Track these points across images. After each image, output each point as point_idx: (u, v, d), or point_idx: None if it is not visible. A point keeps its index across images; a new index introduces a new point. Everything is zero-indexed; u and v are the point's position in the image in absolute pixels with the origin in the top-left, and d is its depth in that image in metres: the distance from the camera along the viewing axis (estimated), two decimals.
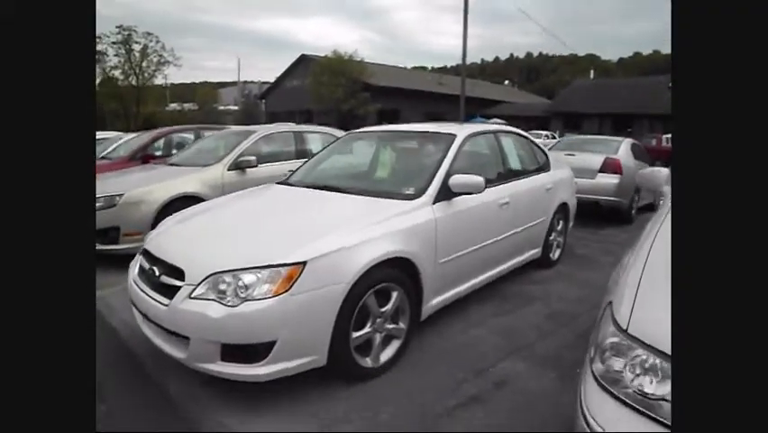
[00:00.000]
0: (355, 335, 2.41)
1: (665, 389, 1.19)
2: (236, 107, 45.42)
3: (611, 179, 6.72)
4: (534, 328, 3.24)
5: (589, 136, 8.50)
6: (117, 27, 30.65)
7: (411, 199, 2.89)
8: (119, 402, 2.30)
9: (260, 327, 2.11)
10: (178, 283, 2.29)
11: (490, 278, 3.61)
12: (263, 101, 39.85)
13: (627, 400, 1.26)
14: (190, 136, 7.60)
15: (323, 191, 3.18)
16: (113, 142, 8.42)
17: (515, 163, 4.10)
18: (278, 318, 2.11)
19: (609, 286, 1.71)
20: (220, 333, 2.12)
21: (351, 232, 2.45)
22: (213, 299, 2.16)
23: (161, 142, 7.48)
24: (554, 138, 23.68)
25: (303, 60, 31.83)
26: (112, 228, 4.33)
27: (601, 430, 1.26)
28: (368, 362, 2.52)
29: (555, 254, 4.71)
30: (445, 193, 3.00)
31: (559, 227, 4.69)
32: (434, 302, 2.97)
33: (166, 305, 2.27)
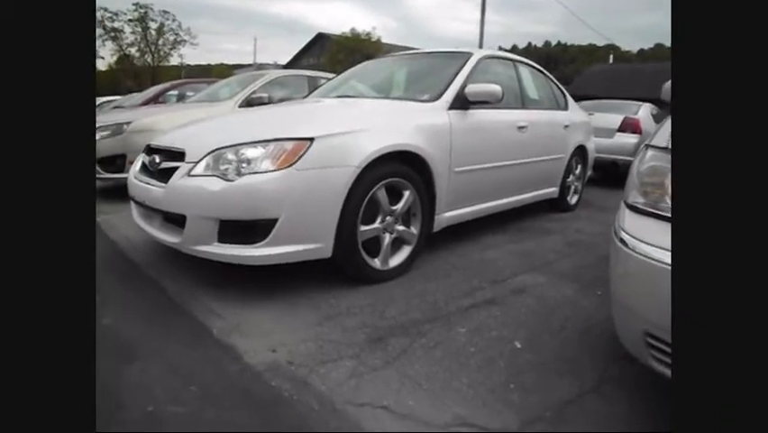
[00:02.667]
0: (363, 228, 2.22)
1: None
2: None
3: (630, 139, 6.42)
4: (552, 252, 3.03)
5: (608, 100, 8.15)
6: (134, 4, 30.54)
7: (427, 102, 2.70)
8: (115, 297, 2.13)
9: (262, 200, 1.92)
10: (177, 164, 2.12)
11: (507, 205, 3.41)
12: None
13: (662, 213, 1.20)
14: (204, 87, 7.43)
15: (338, 99, 3.02)
16: (125, 100, 8.32)
17: (533, 94, 3.88)
18: (281, 193, 1.92)
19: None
20: (218, 208, 1.94)
21: (363, 120, 2.29)
22: (213, 176, 1.98)
23: (175, 93, 7.32)
24: None
25: (319, 39, 31.58)
26: (119, 156, 4.18)
27: (650, 248, 1.15)
28: (376, 263, 2.33)
29: (573, 199, 4.47)
30: (462, 102, 2.80)
31: (577, 171, 4.45)
32: (447, 215, 2.78)
33: (163, 187, 2.10)
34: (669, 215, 1.17)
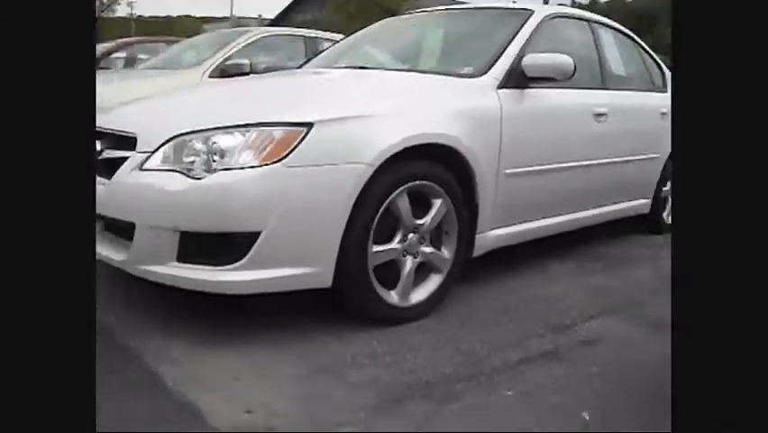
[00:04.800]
0: (376, 249, 2.28)
1: None
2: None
3: None
4: (639, 290, 3.11)
5: None
6: None
7: (469, 78, 2.78)
8: None
9: (239, 207, 2.00)
10: (126, 153, 2.21)
11: (578, 222, 3.51)
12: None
13: None
14: (163, 48, 7.65)
15: (347, 70, 3.17)
16: None
17: (618, 68, 3.99)
18: (265, 197, 2.00)
19: None
20: (179, 215, 2.02)
21: (379, 99, 2.38)
22: (173, 171, 2.06)
23: (123, 56, 7.55)
24: None
25: None
26: None
27: None
28: (393, 297, 2.39)
29: (670, 217, 4.50)
30: (517, 78, 2.87)
31: None
32: (494, 233, 2.85)
33: (105, 183, 2.18)
34: None
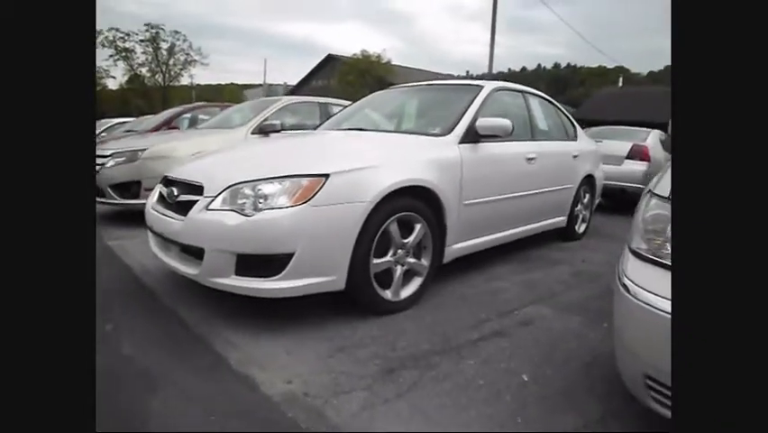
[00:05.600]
0: (376, 261, 2.31)
1: None
2: None
3: (638, 166, 6.51)
4: (559, 283, 3.12)
5: (617, 126, 8.29)
6: (146, 25, 31.45)
7: (438, 137, 2.82)
8: (134, 327, 2.23)
9: (278, 235, 2.03)
10: (196, 198, 2.23)
11: (516, 236, 3.50)
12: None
13: (663, 261, 1.26)
14: (217, 110, 7.64)
15: (351, 131, 3.14)
16: (138, 123, 8.55)
17: (542, 125, 3.99)
18: (296, 228, 2.03)
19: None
20: (236, 242, 2.05)
21: (376, 155, 2.40)
22: (230, 210, 2.09)
23: (186, 120, 7.52)
24: None
25: (329, 61, 32.06)
26: (134, 182, 4.33)
27: (651, 295, 1.22)
28: (388, 294, 2.42)
29: (581, 228, 4.56)
30: (473, 136, 2.91)
31: (585, 200, 4.54)
32: (457, 246, 2.87)
33: (182, 219, 2.21)
34: (669, 263, 1.24)
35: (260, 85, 53.42)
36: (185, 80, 36.52)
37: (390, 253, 2.40)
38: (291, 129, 5.51)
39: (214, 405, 1.62)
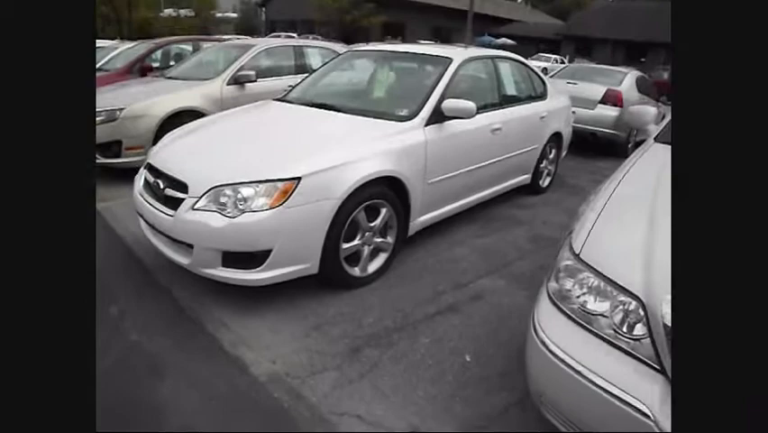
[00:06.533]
0: (345, 246, 2.62)
1: (603, 306, 1.41)
2: (235, 15, 43.49)
3: (610, 112, 6.71)
4: (514, 249, 3.48)
5: (594, 65, 8.36)
6: None
7: (404, 121, 3.00)
8: (129, 305, 2.55)
9: (258, 236, 2.31)
10: (181, 196, 2.46)
11: (479, 200, 3.79)
12: (263, 9, 38.12)
13: (572, 315, 1.46)
14: (188, 48, 7.47)
15: (319, 109, 3.27)
16: (108, 51, 8.26)
17: (510, 90, 4.14)
18: (274, 229, 2.31)
19: (577, 215, 1.88)
20: (221, 241, 2.33)
21: (343, 151, 2.60)
22: (214, 210, 2.34)
23: (159, 54, 7.36)
24: (563, 63, 23.00)
25: None
26: (114, 142, 4.43)
27: (547, 339, 1.47)
28: (356, 271, 2.76)
29: (545, 182, 4.86)
30: (437, 116, 3.10)
31: (551, 156, 4.80)
32: (421, 219, 3.17)
33: (171, 216, 2.46)
34: (573, 316, 1.44)
35: None
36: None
37: (358, 237, 2.71)
38: (267, 72, 5.56)
39: (213, 388, 1.99)
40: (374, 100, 3.67)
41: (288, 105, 3.53)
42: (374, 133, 2.83)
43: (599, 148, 7.03)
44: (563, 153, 5.19)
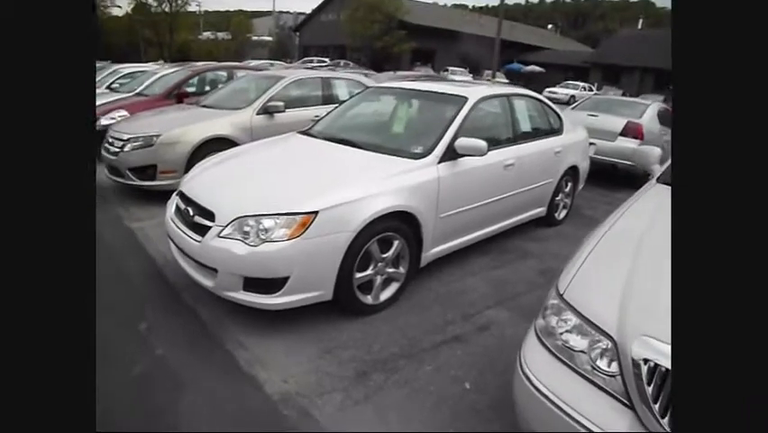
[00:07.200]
0: (358, 275, 2.80)
1: (583, 343, 1.53)
2: (270, 38, 45.01)
3: (630, 144, 6.74)
4: (523, 282, 3.59)
5: (616, 97, 8.46)
6: None
7: (418, 159, 3.17)
8: (157, 321, 2.78)
9: (277, 264, 2.51)
10: (209, 223, 2.69)
11: (492, 232, 3.92)
12: (297, 34, 39.42)
13: (554, 351, 1.58)
14: (223, 74, 7.90)
15: (339, 144, 3.49)
16: (149, 76, 8.76)
17: (525, 126, 4.26)
18: (292, 258, 2.51)
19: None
20: (243, 268, 2.54)
21: (359, 186, 2.79)
22: (238, 239, 2.56)
23: (195, 80, 7.78)
24: (591, 90, 22.96)
25: None
26: (150, 166, 4.77)
27: (531, 374, 1.58)
28: (369, 299, 2.93)
29: (561, 214, 4.96)
30: (451, 154, 3.27)
31: (567, 189, 4.91)
32: (433, 251, 3.33)
33: (198, 241, 2.69)
34: (555, 352, 1.54)
35: (270, 13, 51.79)
36: (191, 7, 35.72)
37: (371, 267, 2.88)
38: (295, 102, 5.84)
39: (228, 404, 2.17)
40: (391, 137, 3.86)
41: (312, 138, 3.76)
42: (389, 170, 3.01)
43: (619, 179, 7.06)
44: (581, 186, 5.28)
